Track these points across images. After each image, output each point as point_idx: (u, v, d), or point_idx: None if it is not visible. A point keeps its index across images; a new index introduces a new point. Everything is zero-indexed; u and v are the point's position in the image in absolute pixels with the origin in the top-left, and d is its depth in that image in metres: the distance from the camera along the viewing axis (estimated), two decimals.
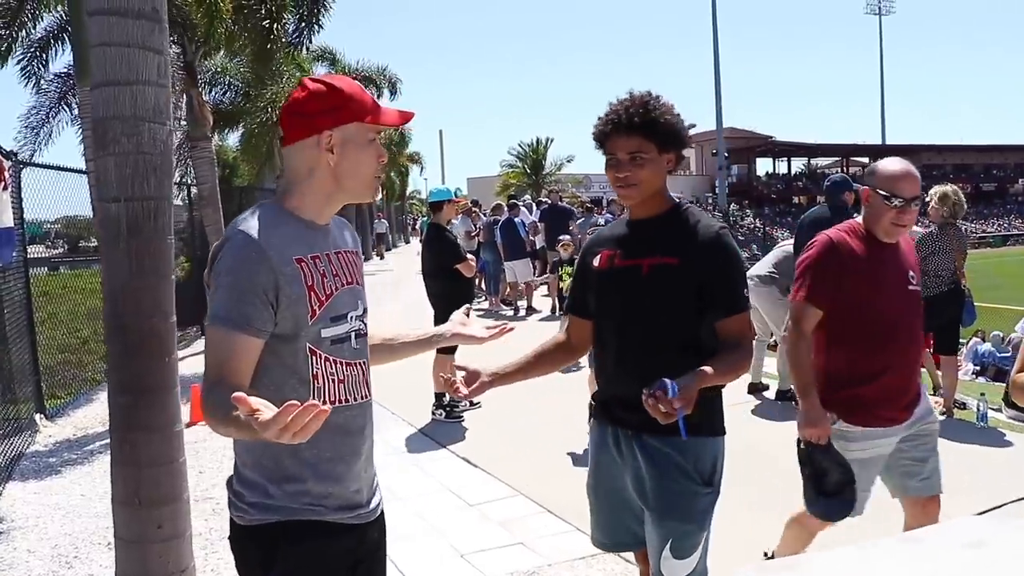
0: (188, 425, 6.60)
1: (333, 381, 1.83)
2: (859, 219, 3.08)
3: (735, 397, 7.27)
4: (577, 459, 5.57)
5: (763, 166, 69.88)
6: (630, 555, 3.20)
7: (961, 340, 8.41)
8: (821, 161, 69.04)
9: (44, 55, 10.80)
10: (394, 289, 17.12)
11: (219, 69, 15.24)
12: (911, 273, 3.10)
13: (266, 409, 1.42)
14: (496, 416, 6.90)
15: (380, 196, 44.70)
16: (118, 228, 2.69)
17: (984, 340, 14.54)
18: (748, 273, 7.65)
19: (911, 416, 3.10)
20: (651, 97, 2.39)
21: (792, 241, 7.14)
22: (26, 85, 10.85)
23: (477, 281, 13.01)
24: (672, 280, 2.35)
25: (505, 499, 5.03)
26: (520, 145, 43.84)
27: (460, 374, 2.41)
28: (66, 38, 10.19)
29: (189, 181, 12.15)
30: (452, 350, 6.82)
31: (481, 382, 2.42)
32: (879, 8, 79.16)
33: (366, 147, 1.85)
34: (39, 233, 13.58)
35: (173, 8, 9.40)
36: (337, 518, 1.87)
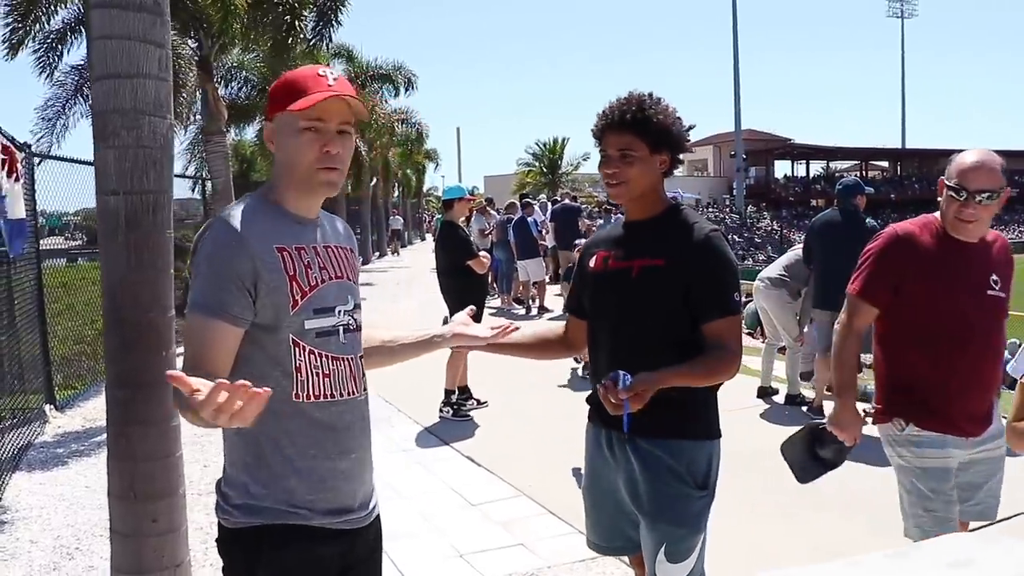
0: None
1: (318, 375, 1.79)
2: (937, 214, 2.84)
3: (743, 401, 7.25)
4: (581, 461, 5.54)
5: (781, 168, 69.51)
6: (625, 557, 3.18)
7: None
8: (840, 164, 68.58)
9: (60, 47, 10.85)
10: (408, 286, 17.15)
11: (236, 64, 15.31)
12: (994, 277, 2.83)
13: (204, 389, 1.39)
14: (502, 416, 6.89)
15: (396, 193, 45.03)
16: (117, 221, 2.68)
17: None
18: (759, 275, 7.62)
19: (979, 435, 2.86)
20: (648, 97, 2.38)
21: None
22: (40, 75, 10.91)
23: (490, 279, 13.00)
24: (659, 282, 2.34)
25: (508, 499, 5.01)
26: (537, 144, 43.96)
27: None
28: (82, 29, 10.26)
29: (204, 175, 12.19)
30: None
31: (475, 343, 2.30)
32: (902, 11, 78.55)
33: (296, 136, 1.78)
34: (59, 225, 13.70)
35: (188, 3, 9.45)
36: (325, 523, 1.82)
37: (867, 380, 8.03)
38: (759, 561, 3.88)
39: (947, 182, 2.74)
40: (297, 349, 1.77)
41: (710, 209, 52.86)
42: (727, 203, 58.99)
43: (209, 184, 11.83)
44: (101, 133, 2.70)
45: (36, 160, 7.37)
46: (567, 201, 14.99)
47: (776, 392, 7.28)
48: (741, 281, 2.56)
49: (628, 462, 2.41)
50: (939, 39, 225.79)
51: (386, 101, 22.80)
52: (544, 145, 43.80)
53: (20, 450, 6.00)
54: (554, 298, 14.06)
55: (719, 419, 2.48)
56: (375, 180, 33.31)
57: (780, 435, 6.32)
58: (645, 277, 2.35)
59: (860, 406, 6.96)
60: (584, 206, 16.33)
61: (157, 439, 2.83)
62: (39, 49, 10.76)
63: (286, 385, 1.77)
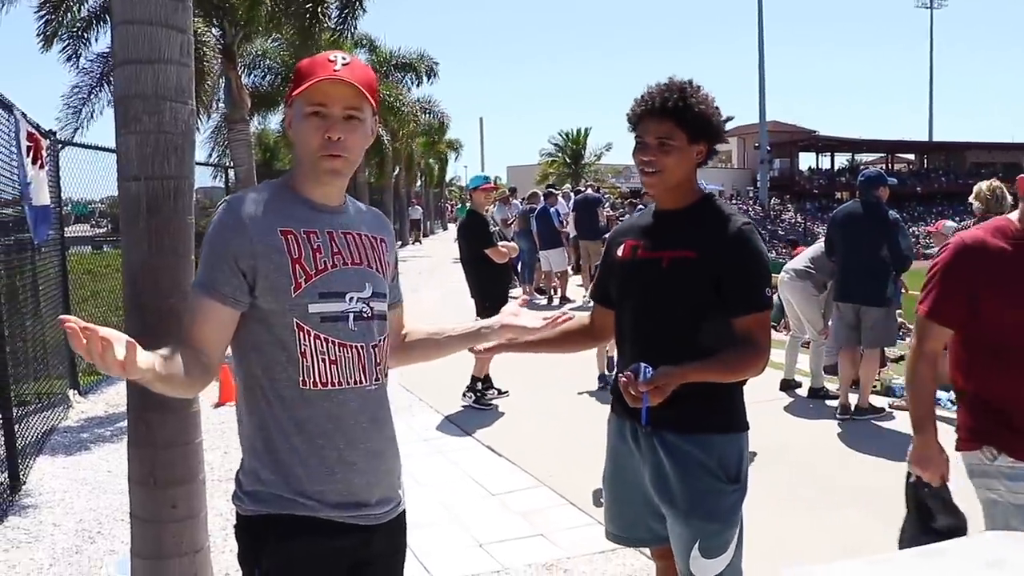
0: (216, 405, 6.72)
1: (324, 361, 1.76)
2: (1014, 216, 2.47)
3: (766, 394, 7.20)
4: (602, 452, 5.53)
5: (806, 161, 68.91)
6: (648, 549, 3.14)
7: None
8: (865, 157, 67.91)
9: (86, 35, 10.90)
10: (430, 276, 17.15)
11: (259, 52, 15.34)
12: None
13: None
14: (524, 406, 6.88)
15: (419, 182, 45.07)
16: (138, 207, 2.67)
17: None
18: (785, 267, 7.55)
19: None
20: (689, 84, 2.32)
21: None
22: (66, 63, 10.96)
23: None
24: (690, 274, 2.29)
25: (528, 489, 5.00)
26: (560, 134, 43.80)
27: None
28: (107, 18, 10.30)
29: (227, 164, 12.23)
30: None
31: (498, 343, 2.29)
32: (931, 1, 77.43)
33: (303, 121, 1.78)
34: (85, 212, 13.81)
35: None
36: (334, 516, 1.79)
37: (892, 374, 7.96)
38: (783, 555, 3.84)
39: None
40: (301, 333, 1.74)
41: (734, 201, 52.49)
42: (751, 195, 58.55)
43: (232, 173, 11.86)
44: (123, 119, 2.67)
45: (60, 147, 7.41)
46: (589, 191, 14.91)
47: (799, 385, 7.22)
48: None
49: (655, 455, 2.36)
50: (968, 30, 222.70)
51: (409, 91, 22.81)
52: (567, 135, 43.63)
53: (44, 434, 6.07)
54: (576, 288, 14.03)
55: (746, 412, 2.44)
56: (398, 170, 33.36)
57: (803, 428, 6.32)
58: (676, 268, 2.30)
59: (882, 400, 6.92)
60: (606, 196, 16.22)
61: (177, 425, 2.82)
62: (67, 39, 10.83)
63: (292, 371, 1.75)
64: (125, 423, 6.34)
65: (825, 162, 68.86)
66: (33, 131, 5.96)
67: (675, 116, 2.27)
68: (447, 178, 60.12)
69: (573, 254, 14.30)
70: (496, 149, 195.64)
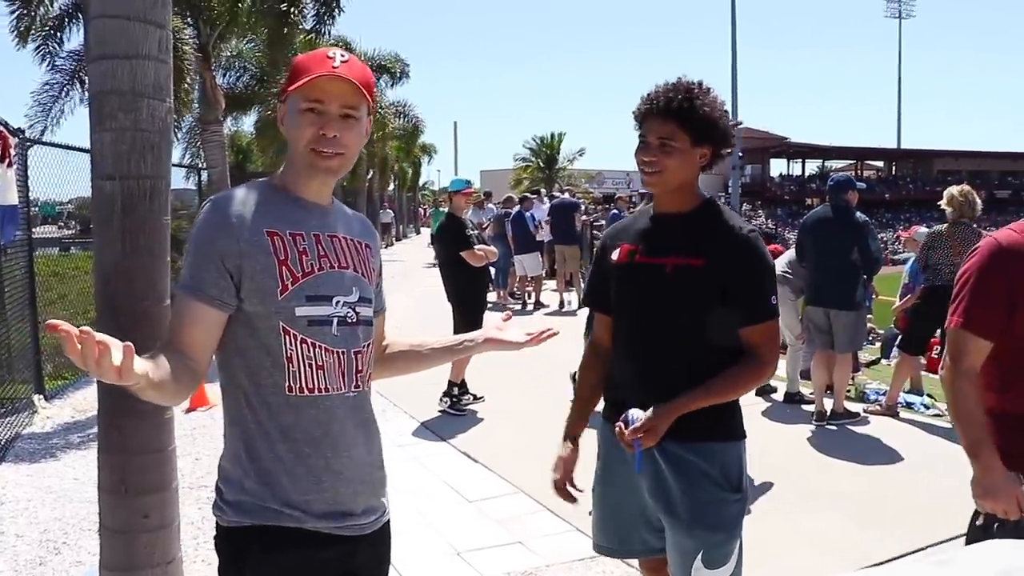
0: (187, 411, 6.59)
1: (311, 366, 1.71)
2: None
3: (743, 399, 7.17)
4: (584, 460, 5.50)
5: (777, 167, 69.57)
6: (632, 559, 3.11)
7: None
8: (835, 164, 68.68)
9: (59, 33, 10.74)
10: (403, 280, 17.03)
11: (234, 53, 15.19)
12: None
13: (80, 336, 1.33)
14: (500, 411, 6.83)
15: (392, 186, 44.89)
16: (112, 207, 2.59)
17: None
18: None
19: None
20: (697, 86, 2.26)
21: None
22: (41, 63, 10.79)
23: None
24: (696, 282, 2.24)
25: (505, 496, 4.95)
26: (534, 139, 43.93)
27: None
28: (79, 15, 10.14)
29: (200, 165, 12.07)
30: None
31: (567, 471, 2.52)
32: (899, 11, 78.56)
33: (299, 116, 1.73)
34: (53, 213, 13.57)
35: None
36: (320, 526, 1.73)
37: (865, 379, 8.02)
38: (762, 559, 3.81)
39: None
40: (287, 337, 1.69)
41: None
42: (723, 201, 58.95)
43: (205, 174, 11.71)
44: (98, 115, 2.60)
45: (28, 145, 7.25)
46: (565, 196, 14.89)
47: (775, 390, 7.24)
48: None
49: (655, 464, 2.31)
50: (936, 39, 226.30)
51: (384, 94, 22.76)
52: (541, 140, 43.76)
53: (7, 441, 5.91)
54: (550, 293, 14.00)
55: (743, 419, 2.42)
56: (372, 172, 33.20)
57: (780, 433, 6.33)
58: (681, 276, 2.25)
59: (857, 406, 6.95)
60: (580, 201, 16.22)
61: (150, 432, 2.74)
62: (38, 36, 10.66)
63: (278, 377, 1.70)
64: (93, 429, 6.21)
65: (796, 168, 69.65)
66: (1, 129, 5.83)
67: (679, 117, 2.21)
68: (420, 182, 60.00)
69: (548, 259, 14.28)
70: (470, 153, 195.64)
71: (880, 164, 73.76)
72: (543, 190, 16.91)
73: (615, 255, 2.41)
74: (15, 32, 10.36)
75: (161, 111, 2.67)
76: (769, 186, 65.81)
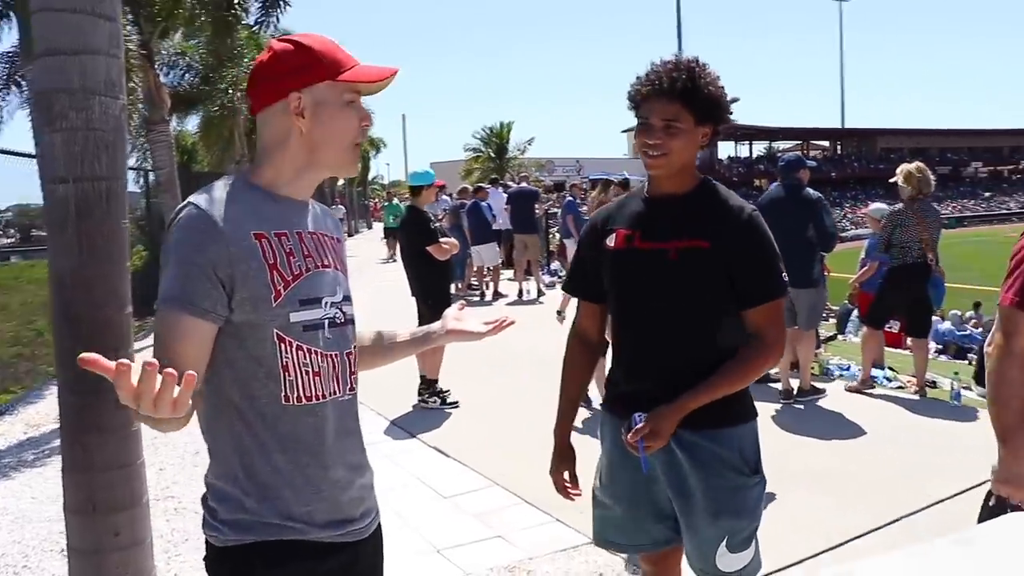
0: None
1: (308, 374, 1.62)
2: None
3: None
4: (550, 448, 5.46)
5: (725, 149, 70.26)
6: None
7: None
8: (782, 144, 69.71)
9: None
10: (359, 275, 16.83)
11: (178, 51, 14.80)
12: None
13: (122, 369, 1.21)
14: (468, 404, 6.76)
15: (342, 181, 44.38)
16: (66, 211, 2.45)
17: (944, 319, 14.74)
18: None
19: None
20: (697, 64, 2.21)
21: None
22: None
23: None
24: (703, 264, 2.18)
25: (480, 490, 4.89)
26: (483, 129, 43.87)
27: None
28: (11, 14, 9.75)
29: (147, 166, 11.73)
30: None
31: (569, 471, 2.46)
32: None
33: (342, 109, 1.64)
34: None
35: None
36: (323, 536, 1.65)
37: (829, 355, 8.11)
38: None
39: None
40: (283, 345, 1.59)
41: None
42: None
43: (152, 176, 11.40)
44: (46, 115, 2.45)
45: None
46: (524, 185, 14.81)
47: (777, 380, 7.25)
48: None
49: (670, 454, 2.24)
50: (876, 21, 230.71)
51: None
52: (491, 130, 43.69)
53: None
54: (507, 283, 13.94)
55: (752, 398, 2.37)
56: None
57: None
58: (687, 259, 2.19)
59: (824, 384, 7.01)
60: (539, 190, 16.20)
61: (116, 446, 2.62)
62: None
63: (273, 388, 1.60)
64: (49, 445, 6.00)
65: (744, 150, 70.46)
66: None
67: (683, 97, 2.15)
68: (369, 176, 59.47)
69: (506, 248, 14.20)
70: (419, 146, 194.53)
71: (826, 144, 75.06)
72: (498, 178, 16.80)
73: (611, 241, 2.32)
74: None
75: (115, 109, 2.54)
76: (718, 168, 66.38)
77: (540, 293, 13.17)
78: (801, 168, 6.61)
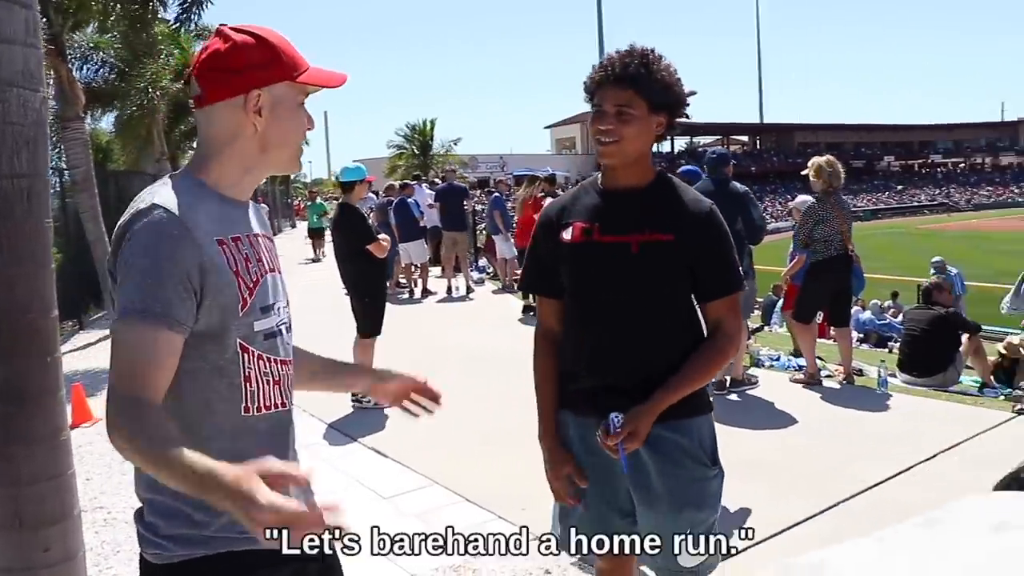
0: (70, 427, 6.14)
1: (269, 383, 1.56)
2: None
3: None
4: (493, 445, 5.43)
5: None
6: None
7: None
8: (702, 140, 71.03)
9: None
10: (287, 275, 16.53)
11: (91, 44, 14.22)
12: None
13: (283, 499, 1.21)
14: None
15: (264, 180, 43.39)
16: None
17: (864, 308, 15.21)
18: None
19: None
20: (651, 52, 2.21)
21: None
22: None
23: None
24: (667, 258, 2.18)
25: (420, 489, 4.83)
26: (407, 126, 43.63)
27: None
28: None
29: (61, 165, 11.25)
30: (375, 333, 6.55)
31: (568, 473, 2.32)
32: None
33: (296, 111, 1.59)
34: None
35: None
36: (275, 545, 1.60)
37: (758, 345, 8.27)
38: None
39: None
40: (246, 355, 1.52)
41: None
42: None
43: (67, 175, 10.94)
44: None
45: None
46: (454, 181, 14.72)
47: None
48: None
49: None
50: (792, 17, 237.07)
51: None
52: (414, 127, 43.47)
53: None
54: (436, 280, 13.84)
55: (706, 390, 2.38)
56: None
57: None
58: (650, 253, 2.17)
59: (757, 371, 7.13)
60: (467, 186, 16.13)
61: (45, 456, 2.48)
62: None
63: (235, 398, 1.53)
64: None
65: (665, 146, 71.49)
66: None
67: (636, 83, 2.14)
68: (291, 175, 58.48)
69: (433, 245, 14.09)
70: (342, 143, 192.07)
71: (745, 139, 76.90)
72: (422, 175, 16.66)
73: (567, 234, 2.28)
74: None
75: (34, 102, 2.40)
76: None
77: (469, 290, 13.11)
78: (729, 163, 6.73)
